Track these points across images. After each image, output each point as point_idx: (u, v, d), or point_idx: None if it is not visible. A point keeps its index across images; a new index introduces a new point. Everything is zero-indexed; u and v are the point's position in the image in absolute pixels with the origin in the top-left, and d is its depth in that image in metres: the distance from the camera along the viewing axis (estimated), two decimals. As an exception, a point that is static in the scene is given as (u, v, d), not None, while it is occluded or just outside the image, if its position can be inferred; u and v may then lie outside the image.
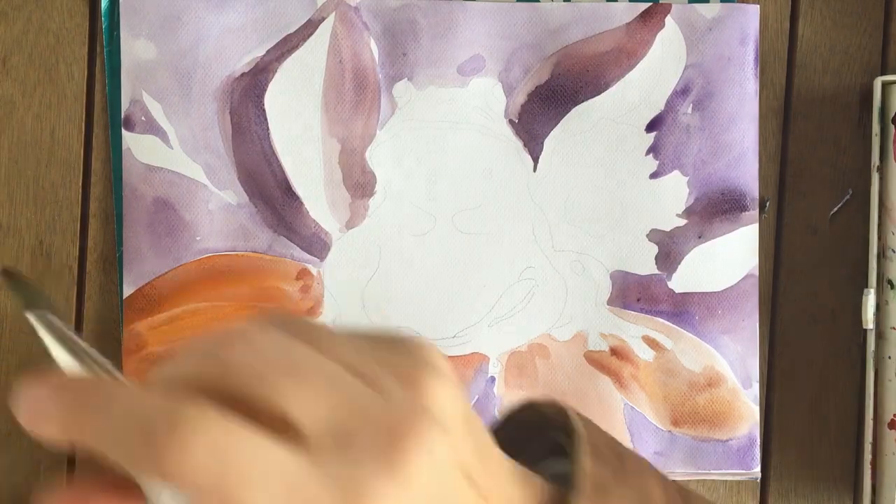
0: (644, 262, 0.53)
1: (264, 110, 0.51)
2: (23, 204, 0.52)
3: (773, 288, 0.54)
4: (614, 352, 0.52)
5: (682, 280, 0.52)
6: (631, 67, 0.52)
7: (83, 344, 0.25)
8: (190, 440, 0.19)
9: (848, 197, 0.54)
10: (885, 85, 0.52)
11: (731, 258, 0.53)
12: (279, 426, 0.20)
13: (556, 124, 0.52)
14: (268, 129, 0.51)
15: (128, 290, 0.51)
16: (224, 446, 0.19)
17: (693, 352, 0.52)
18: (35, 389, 0.22)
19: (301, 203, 0.52)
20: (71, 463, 0.52)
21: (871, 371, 0.52)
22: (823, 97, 0.54)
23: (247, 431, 0.20)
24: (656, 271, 0.53)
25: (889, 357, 0.52)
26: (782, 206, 0.54)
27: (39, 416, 0.23)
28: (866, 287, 0.52)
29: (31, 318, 0.25)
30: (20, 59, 0.52)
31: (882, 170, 0.52)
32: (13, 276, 0.27)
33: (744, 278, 0.53)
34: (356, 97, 0.52)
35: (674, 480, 0.29)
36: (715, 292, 0.53)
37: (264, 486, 0.19)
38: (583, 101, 0.52)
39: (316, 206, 0.52)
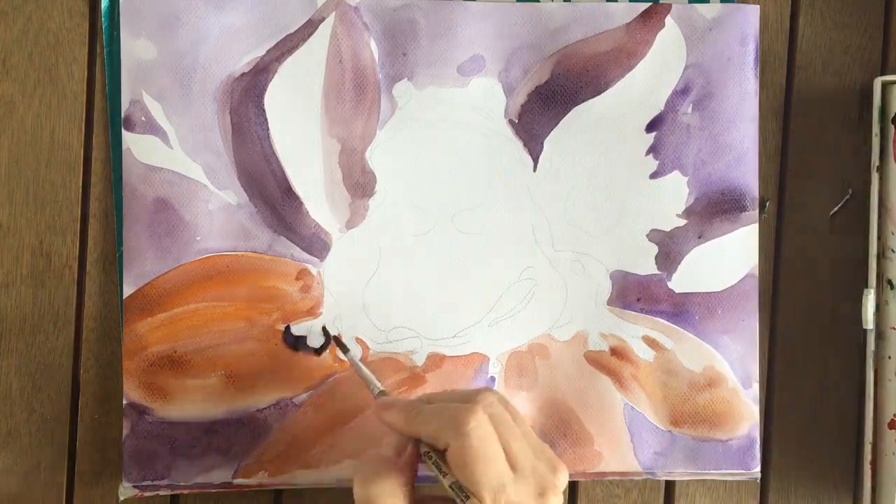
0: (644, 262, 0.53)
1: (264, 110, 0.51)
2: (23, 204, 0.52)
3: (773, 288, 0.54)
4: (614, 352, 0.52)
5: (682, 280, 0.53)
6: (631, 67, 0.52)
7: (363, 366, 0.49)
8: (478, 418, 0.41)
9: (848, 197, 0.54)
10: (885, 85, 0.52)
11: (731, 258, 0.53)
12: None
13: (556, 124, 0.52)
14: (268, 129, 0.51)
15: (128, 290, 0.51)
16: (489, 428, 0.41)
17: (693, 352, 0.52)
18: (388, 404, 0.45)
19: (301, 203, 0.52)
20: (71, 462, 0.52)
21: (871, 371, 0.52)
22: (823, 97, 0.54)
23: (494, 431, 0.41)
24: (656, 271, 0.53)
25: (889, 357, 0.52)
26: (782, 206, 0.54)
27: (391, 419, 0.44)
28: (866, 287, 0.52)
29: (347, 358, 0.50)
30: (20, 59, 0.52)
31: (882, 170, 0.52)
32: (334, 336, 0.51)
33: (744, 278, 0.53)
34: (356, 97, 0.52)
35: None
36: (715, 292, 0.53)
37: (497, 453, 0.41)
38: (583, 101, 0.52)
39: (316, 206, 0.52)
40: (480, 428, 0.40)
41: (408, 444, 0.43)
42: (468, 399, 0.42)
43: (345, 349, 0.50)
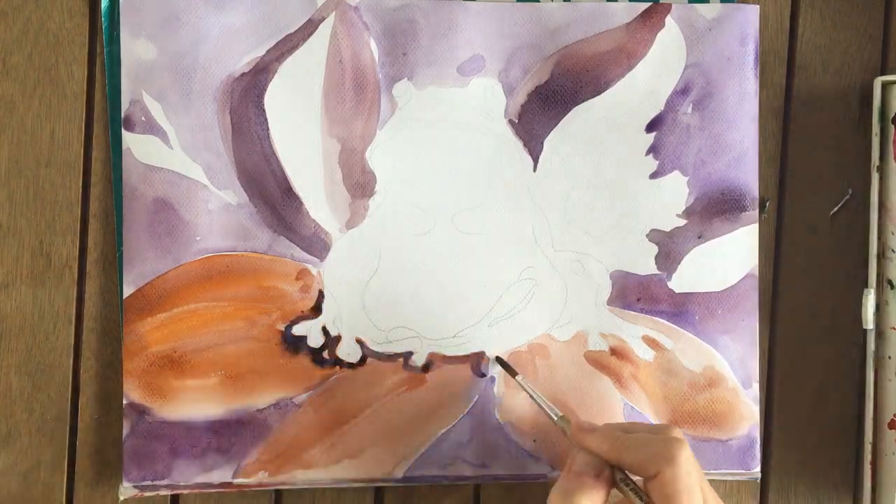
0: (644, 262, 0.53)
1: (264, 110, 0.51)
2: (23, 204, 0.52)
3: (773, 288, 0.54)
4: (614, 352, 0.52)
5: (682, 280, 0.53)
6: (631, 67, 0.52)
7: (536, 391, 0.50)
8: (689, 451, 0.42)
9: (848, 197, 0.54)
10: (885, 85, 0.52)
11: (731, 258, 0.53)
12: None
13: (556, 124, 0.52)
14: (268, 129, 0.51)
15: (128, 290, 0.51)
16: (695, 463, 0.43)
17: (693, 352, 0.52)
18: (590, 428, 0.46)
19: (301, 203, 0.52)
20: (71, 462, 0.52)
21: (871, 371, 0.52)
22: (823, 97, 0.54)
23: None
24: (656, 271, 0.53)
25: (889, 357, 0.52)
26: (782, 206, 0.54)
27: (594, 444, 0.45)
28: (866, 287, 0.52)
29: (519, 380, 0.50)
30: (20, 59, 0.52)
31: (882, 170, 0.52)
32: (499, 359, 0.52)
33: (744, 278, 0.53)
34: (356, 97, 0.52)
35: None
36: (715, 292, 0.53)
37: (698, 487, 0.42)
38: (583, 101, 0.52)
39: (316, 206, 0.52)
40: (690, 461, 0.42)
41: (604, 467, 0.45)
42: (659, 432, 0.45)
43: (513, 373, 0.50)
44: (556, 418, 0.48)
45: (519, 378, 0.50)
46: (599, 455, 0.45)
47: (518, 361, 0.52)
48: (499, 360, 0.51)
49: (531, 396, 0.49)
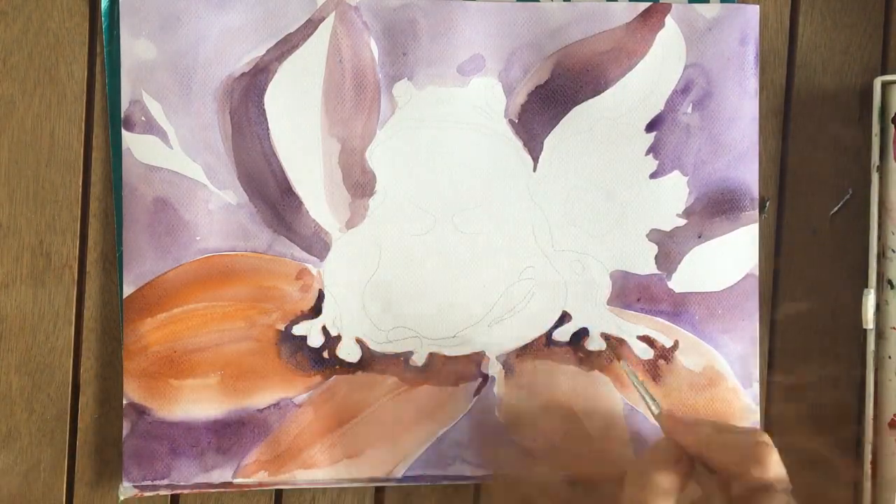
0: (644, 262, 0.53)
1: (264, 110, 0.51)
2: (23, 204, 0.52)
3: (773, 288, 0.54)
4: (614, 352, 0.52)
5: (682, 280, 0.53)
6: (631, 67, 0.52)
7: (641, 381, 0.49)
8: (771, 458, 0.43)
9: (848, 197, 0.54)
10: (885, 85, 0.52)
11: (731, 258, 0.53)
12: None
13: (556, 124, 0.52)
14: (268, 129, 0.51)
15: (128, 290, 0.51)
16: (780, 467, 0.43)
17: (693, 352, 0.52)
18: (679, 421, 0.46)
19: (301, 203, 0.52)
20: (71, 462, 0.52)
21: (871, 371, 0.52)
22: (823, 97, 0.54)
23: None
24: (656, 271, 0.53)
25: (889, 357, 0.52)
26: (782, 206, 0.54)
27: (682, 435, 0.45)
28: (866, 287, 0.52)
29: (622, 366, 0.51)
30: (20, 59, 0.52)
31: (882, 170, 0.52)
32: (608, 337, 0.52)
33: (744, 278, 0.53)
34: (356, 97, 0.52)
35: None
36: (715, 292, 0.53)
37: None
38: (583, 101, 0.52)
39: (316, 205, 0.52)
40: (779, 465, 0.43)
41: (684, 457, 0.45)
42: (749, 435, 0.45)
43: (618, 356, 0.51)
44: (655, 411, 0.47)
45: (622, 363, 0.50)
46: (685, 446, 0.45)
47: (518, 362, 0.52)
48: (606, 338, 0.52)
49: (634, 385, 0.49)
